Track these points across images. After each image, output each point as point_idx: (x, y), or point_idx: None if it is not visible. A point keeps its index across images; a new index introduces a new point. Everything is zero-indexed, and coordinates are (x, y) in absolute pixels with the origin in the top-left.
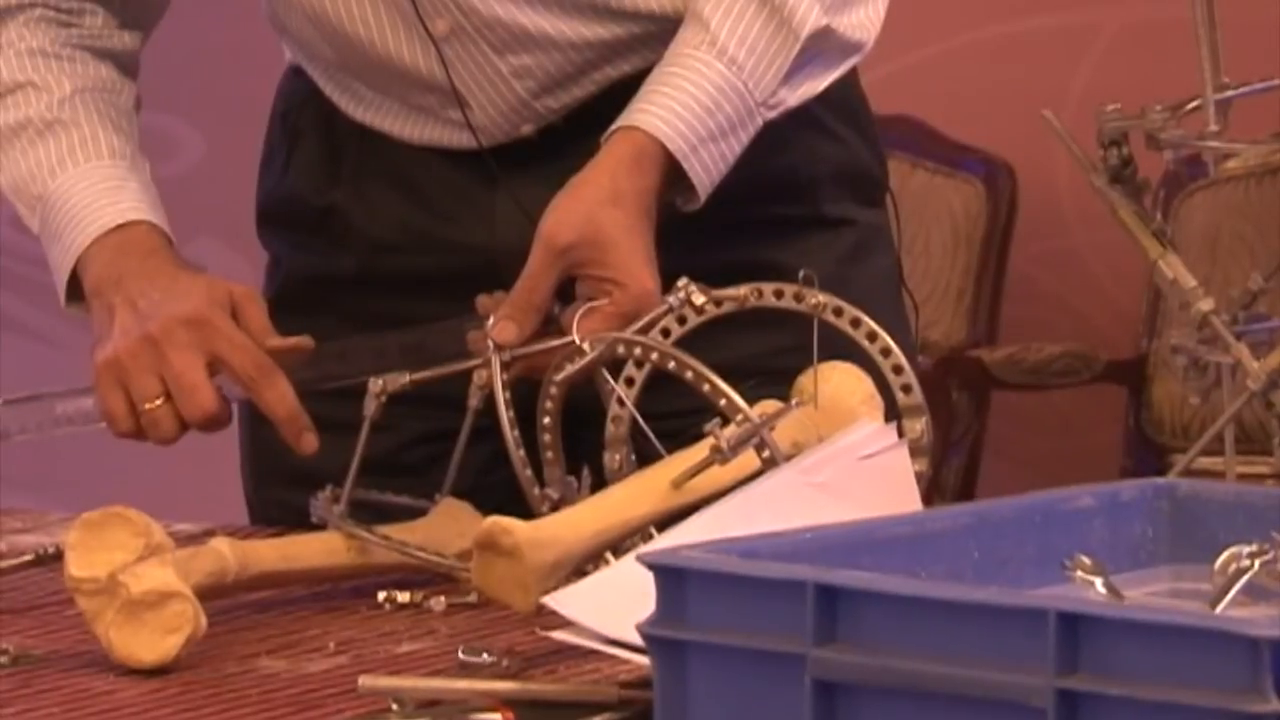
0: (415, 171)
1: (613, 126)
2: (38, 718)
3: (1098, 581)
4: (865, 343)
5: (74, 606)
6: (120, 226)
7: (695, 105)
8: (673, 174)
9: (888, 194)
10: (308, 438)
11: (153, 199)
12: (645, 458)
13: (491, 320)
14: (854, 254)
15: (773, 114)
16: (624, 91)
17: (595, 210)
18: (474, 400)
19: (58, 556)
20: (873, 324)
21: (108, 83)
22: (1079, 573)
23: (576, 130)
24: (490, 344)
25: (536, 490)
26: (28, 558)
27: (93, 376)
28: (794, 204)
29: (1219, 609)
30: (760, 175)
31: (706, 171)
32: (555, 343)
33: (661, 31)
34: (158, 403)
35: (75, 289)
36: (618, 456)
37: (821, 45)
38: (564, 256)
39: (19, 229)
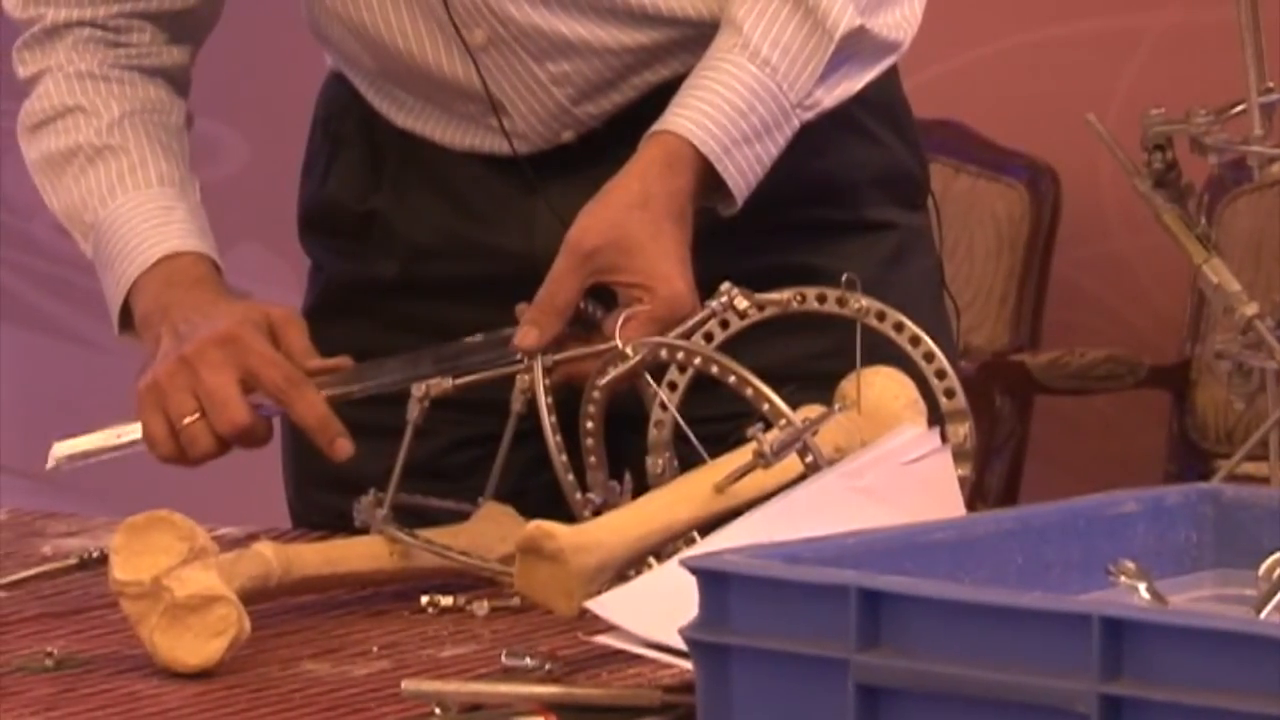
0: (456, 177)
1: (648, 132)
2: None
3: (1141, 587)
4: (908, 347)
5: (118, 610)
6: (167, 257)
7: (728, 107)
8: (709, 178)
9: (929, 197)
10: (341, 443)
11: (201, 224)
12: (688, 462)
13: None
14: (895, 257)
15: (809, 115)
16: (664, 96)
17: (622, 214)
18: (517, 404)
19: (102, 560)
20: (916, 329)
21: (157, 103)
22: (1123, 578)
23: (617, 136)
24: (536, 364)
25: (579, 495)
26: (72, 561)
27: (135, 403)
28: (834, 208)
29: (1264, 614)
30: (800, 179)
31: (742, 174)
32: (598, 348)
33: (700, 36)
34: (193, 419)
35: (127, 317)
36: (660, 461)
37: (856, 46)
38: (589, 261)
39: (65, 234)
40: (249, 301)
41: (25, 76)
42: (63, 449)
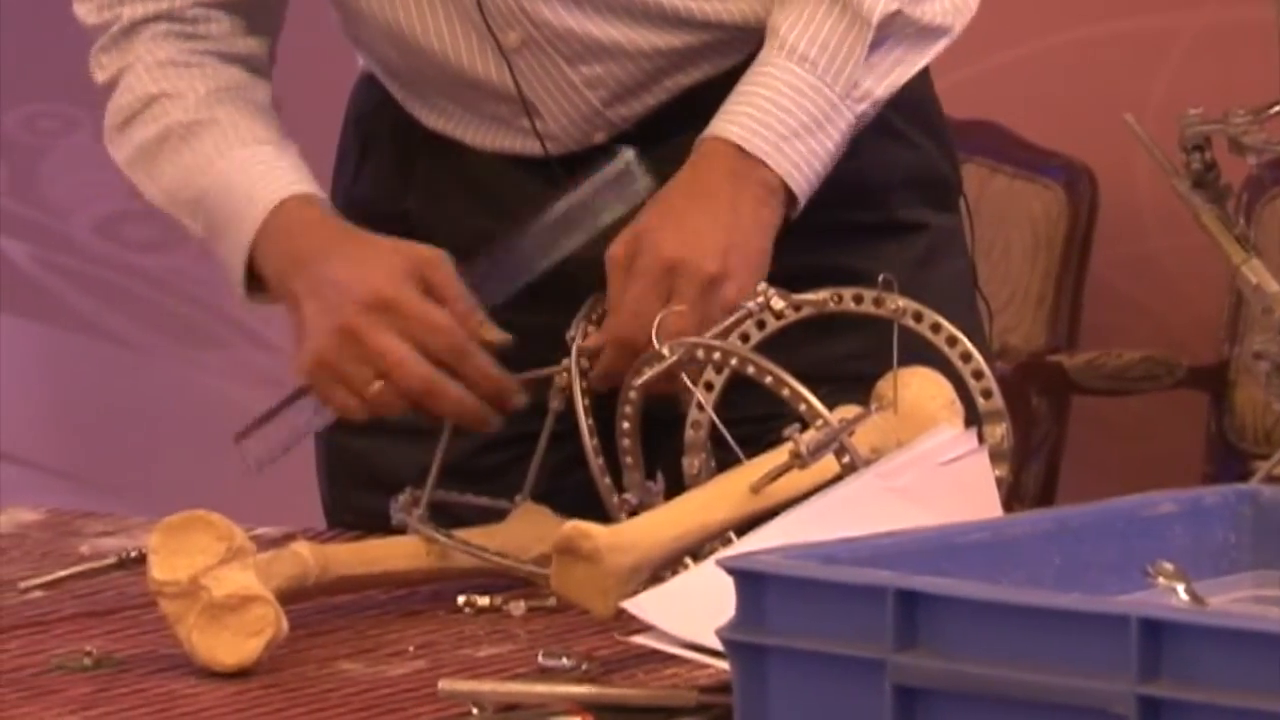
0: (488, 178)
1: (697, 140)
2: None
3: (1180, 588)
4: (945, 348)
5: (156, 610)
6: (280, 207)
7: (771, 107)
8: (766, 177)
9: (961, 197)
10: (516, 400)
11: (306, 174)
12: (724, 462)
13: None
14: (927, 258)
15: (863, 106)
16: (695, 98)
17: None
18: (554, 403)
19: (140, 560)
20: (953, 329)
21: (239, 80)
22: (1161, 579)
23: (647, 137)
24: (573, 349)
25: (615, 495)
26: (110, 561)
27: (304, 378)
28: (867, 209)
29: None
30: (833, 181)
31: (797, 169)
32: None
33: (733, 39)
34: (377, 386)
35: (249, 279)
36: (696, 461)
37: (897, 30)
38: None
39: (101, 234)
40: (380, 243)
41: (104, 80)
42: (255, 449)
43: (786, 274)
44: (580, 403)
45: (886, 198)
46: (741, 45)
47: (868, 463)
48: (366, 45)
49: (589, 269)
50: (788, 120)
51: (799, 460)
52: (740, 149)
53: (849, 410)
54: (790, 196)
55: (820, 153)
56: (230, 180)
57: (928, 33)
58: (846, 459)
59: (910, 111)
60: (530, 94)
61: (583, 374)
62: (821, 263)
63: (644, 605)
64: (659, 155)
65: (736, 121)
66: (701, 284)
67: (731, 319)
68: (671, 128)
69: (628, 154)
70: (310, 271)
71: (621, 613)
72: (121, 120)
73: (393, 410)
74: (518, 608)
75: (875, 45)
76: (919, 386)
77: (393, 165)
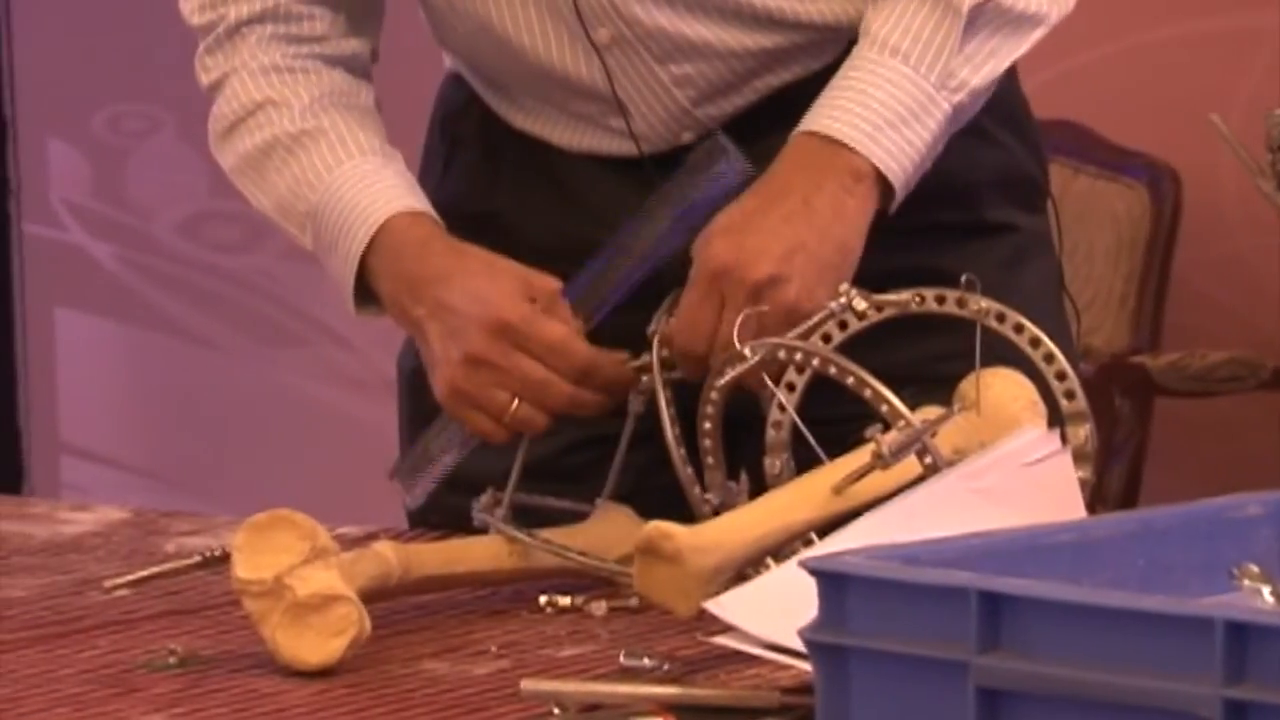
0: (575, 178)
1: (793, 133)
2: (204, 718)
3: (1265, 590)
4: (1028, 349)
5: (241, 608)
6: (388, 224)
7: (865, 98)
8: (861, 168)
9: (1049, 199)
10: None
11: (411, 184)
12: (806, 463)
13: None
14: (1015, 259)
15: (960, 97)
16: (785, 99)
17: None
18: (635, 405)
19: (225, 559)
20: (1036, 330)
21: (343, 85)
22: (1246, 581)
23: (736, 137)
24: (653, 344)
25: (697, 495)
26: (195, 560)
27: (443, 407)
28: (955, 210)
29: None
30: (921, 181)
31: (893, 157)
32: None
33: (824, 40)
34: (516, 407)
35: (361, 291)
36: (778, 462)
37: (989, 18)
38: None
39: (184, 234)
40: (497, 262)
41: (209, 83)
42: (416, 487)
43: (874, 274)
44: (661, 394)
45: (975, 198)
46: (832, 46)
47: (950, 464)
48: (455, 44)
49: (675, 266)
50: (881, 111)
51: (881, 461)
52: (828, 138)
53: (931, 411)
54: (886, 187)
55: (917, 143)
56: (337, 194)
57: (1022, 21)
58: (929, 460)
59: (998, 112)
60: (620, 93)
61: (664, 365)
62: (909, 263)
63: (726, 606)
64: (748, 156)
65: (824, 114)
66: (749, 291)
67: (814, 319)
68: (761, 128)
69: (720, 138)
70: (429, 296)
71: (703, 613)
72: (225, 128)
73: (535, 427)
74: (599, 608)
75: (969, 35)
76: (1001, 387)
77: (480, 165)
